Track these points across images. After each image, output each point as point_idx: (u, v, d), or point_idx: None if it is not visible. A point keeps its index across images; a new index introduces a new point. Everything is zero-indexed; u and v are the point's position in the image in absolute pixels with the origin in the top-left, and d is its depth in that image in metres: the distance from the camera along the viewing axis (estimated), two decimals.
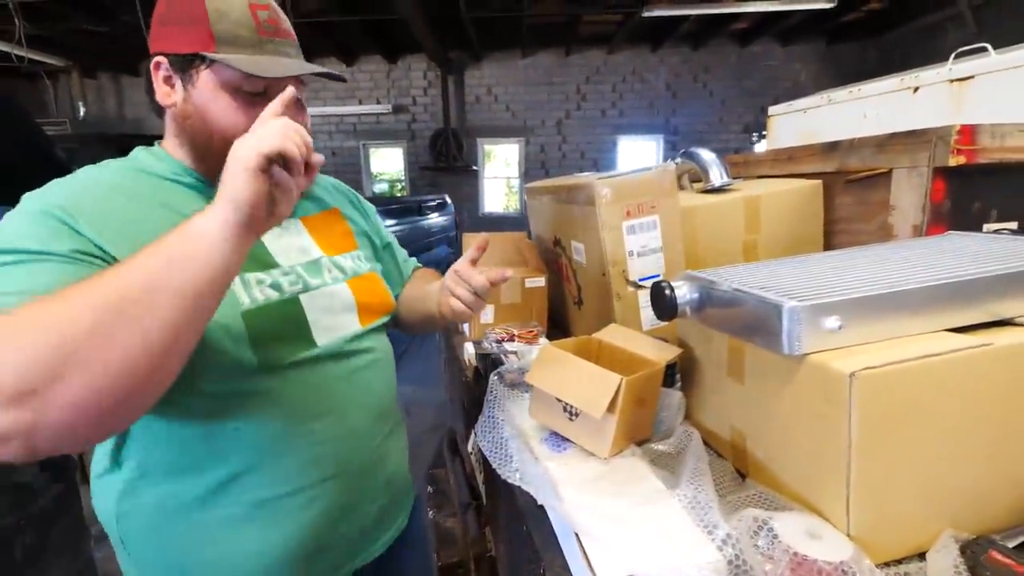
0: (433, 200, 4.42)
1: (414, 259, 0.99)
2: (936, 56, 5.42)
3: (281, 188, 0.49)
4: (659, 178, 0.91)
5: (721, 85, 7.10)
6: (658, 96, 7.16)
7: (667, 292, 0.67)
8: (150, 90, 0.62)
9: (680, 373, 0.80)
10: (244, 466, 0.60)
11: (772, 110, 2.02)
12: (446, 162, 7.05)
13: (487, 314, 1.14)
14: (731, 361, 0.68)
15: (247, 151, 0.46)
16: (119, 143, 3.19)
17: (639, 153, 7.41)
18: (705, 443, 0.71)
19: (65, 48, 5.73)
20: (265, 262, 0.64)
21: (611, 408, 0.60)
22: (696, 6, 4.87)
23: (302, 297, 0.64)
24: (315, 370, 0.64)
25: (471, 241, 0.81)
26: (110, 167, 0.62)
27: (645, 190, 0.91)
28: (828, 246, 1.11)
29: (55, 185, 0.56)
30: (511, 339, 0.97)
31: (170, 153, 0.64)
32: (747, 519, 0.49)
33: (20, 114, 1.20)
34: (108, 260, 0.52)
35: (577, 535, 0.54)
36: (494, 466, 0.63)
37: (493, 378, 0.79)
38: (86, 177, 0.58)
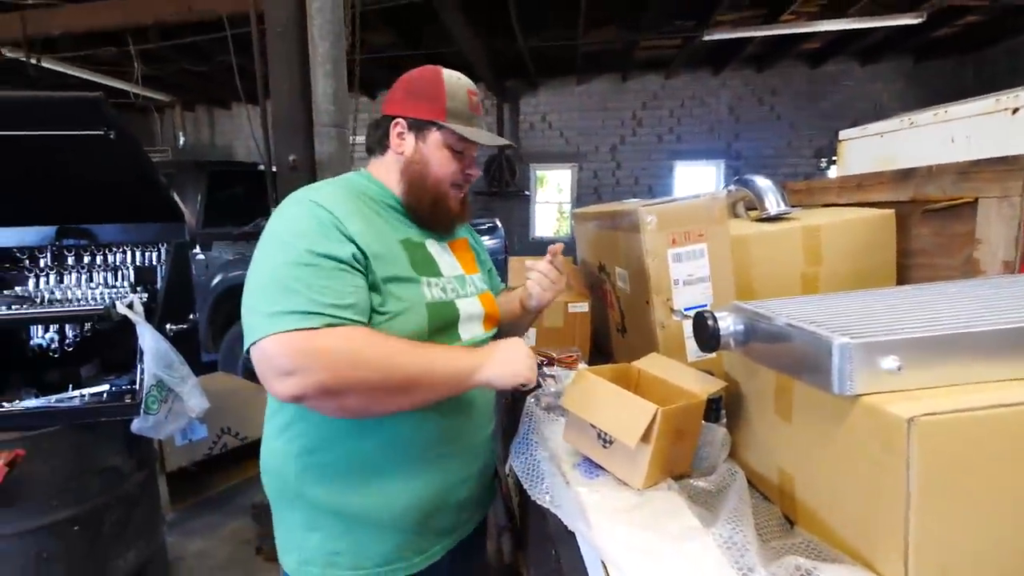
0: (484, 223, 4.54)
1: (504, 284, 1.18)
2: None
3: None
4: (708, 205, 0.90)
5: (790, 108, 6.78)
6: (719, 120, 6.95)
7: (710, 323, 0.66)
8: (383, 137, 0.85)
9: (726, 408, 0.77)
10: (400, 429, 0.75)
11: (843, 134, 1.91)
12: (499, 187, 7.21)
13: (530, 337, 1.15)
14: (778, 398, 0.64)
15: (525, 370, 0.71)
16: (208, 168, 3.58)
17: (698, 179, 7.21)
18: (752, 485, 0.68)
19: (171, 85, 6.60)
20: (435, 271, 0.83)
21: (646, 438, 0.59)
22: (762, 28, 4.72)
23: (457, 302, 0.82)
24: None
25: (516, 265, 0.95)
26: (338, 187, 0.80)
27: (693, 217, 0.90)
28: (903, 281, 1.03)
29: (324, 198, 0.73)
30: (550, 363, 0.97)
31: (381, 181, 0.85)
32: (788, 566, 0.46)
33: (131, 142, 1.38)
34: (362, 257, 0.70)
35: (604, 564, 0.53)
36: (525, 486, 0.63)
37: (530, 400, 0.80)
38: (335, 194, 0.76)
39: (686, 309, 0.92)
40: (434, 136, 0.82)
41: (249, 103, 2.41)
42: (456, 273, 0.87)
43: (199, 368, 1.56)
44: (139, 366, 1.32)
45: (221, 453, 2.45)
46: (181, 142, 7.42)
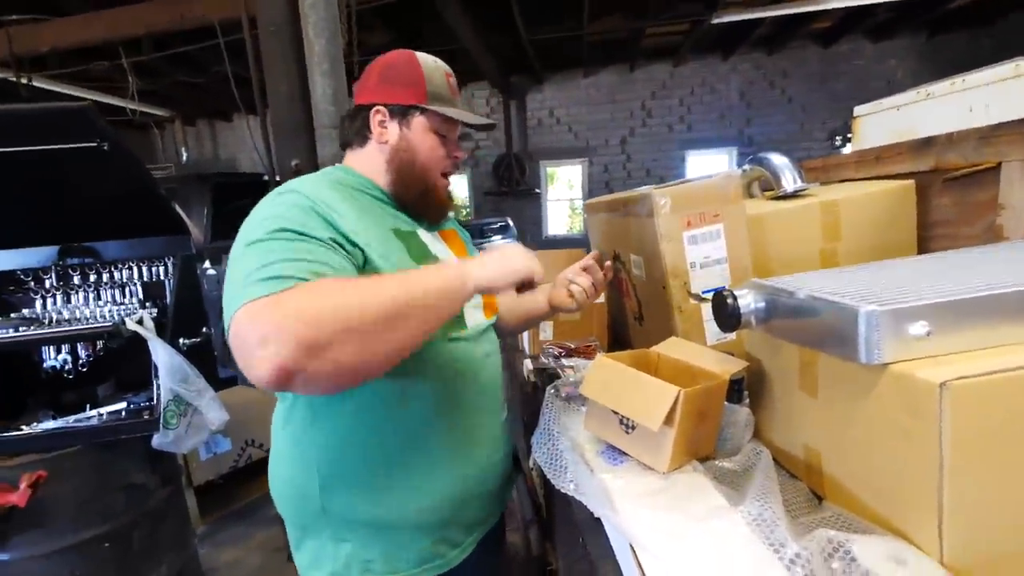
0: (495, 223, 4.54)
1: None
2: None
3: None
4: (722, 185, 0.89)
5: (802, 90, 6.64)
6: (730, 106, 6.85)
7: (730, 301, 0.65)
8: (362, 127, 0.81)
9: (748, 388, 0.76)
10: (416, 425, 0.73)
11: (858, 110, 1.86)
12: (509, 186, 7.19)
13: (546, 330, 1.15)
14: (803, 374, 0.64)
15: (522, 264, 0.67)
16: (212, 181, 3.57)
17: (710, 167, 7.10)
18: (777, 463, 0.67)
19: (169, 100, 6.61)
20: (432, 258, 0.80)
21: (669, 421, 0.59)
22: (772, 7, 4.63)
23: None
24: (466, 347, 0.79)
25: (544, 260, 0.96)
26: (317, 179, 0.77)
27: (707, 198, 0.89)
28: (924, 252, 1.00)
29: (301, 186, 0.70)
30: (568, 354, 0.97)
31: (362, 173, 0.82)
32: (820, 540, 0.45)
33: (127, 154, 1.38)
34: (350, 244, 0.66)
35: (633, 548, 0.53)
36: (549, 477, 0.63)
37: (549, 391, 0.80)
38: (315, 183, 0.73)
39: (704, 292, 0.91)
40: (419, 121, 0.80)
41: (249, 113, 2.43)
42: (451, 260, 0.86)
43: (218, 384, 1.56)
44: (155, 382, 1.33)
45: (246, 465, 2.50)
46: (184, 157, 7.45)
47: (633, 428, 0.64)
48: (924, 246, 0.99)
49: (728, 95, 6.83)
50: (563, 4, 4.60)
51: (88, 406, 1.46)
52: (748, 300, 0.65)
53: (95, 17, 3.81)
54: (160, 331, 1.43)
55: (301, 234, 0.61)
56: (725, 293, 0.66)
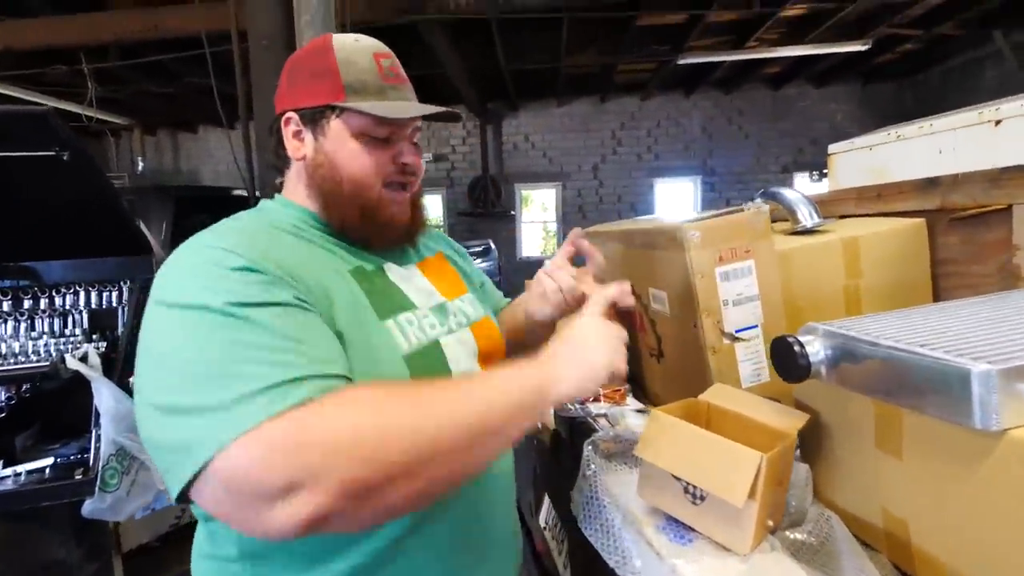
0: (477, 246, 4.47)
1: (507, 299, 0.92)
2: (974, 93, 5.29)
3: None
4: (753, 219, 0.85)
5: (756, 127, 7.09)
6: (693, 139, 7.19)
7: (797, 348, 0.59)
8: (277, 146, 0.64)
9: (801, 442, 0.70)
10: (392, 539, 0.53)
11: (832, 148, 1.94)
12: (484, 207, 7.20)
13: None
14: (881, 430, 0.58)
15: (606, 359, 0.53)
16: (175, 193, 3.25)
17: (677, 195, 7.40)
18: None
19: (130, 108, 6.25)
20: (405, 303, 0.61)
21: (752, 493, 0.51)
22: (730, 53, 4.94)
23: (442, 341, 0.61)
24: None
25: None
26: (249, 218, 0.60)
27: (738, 233, 0.84)
28: (935, 290, 1.00)
29: (226, 238, 0.52)
30: (595, 399, 0.88)
31: (296, 202, 0.64)
32: None
33: (88, 164, 1.22)
34: (308, 295, 0.50)
35: None
36: (611, 564, 0.54)
37: (587, 449, 0.70)
38: (244, 228, 0.56)
39: (737, 331, 0.86)
40: (335, 124, 0.60)
41: (229, 127, 2.27)
42: (434, 302, 0.65)
43: None
44: (94, 432, 1.11)
45: (191, 522, 2.15)
46: (140, 167, 7.04)
47: (702, 499, 0.56)
48: (936, 283, 0.99)
49: (691, 128, 7.18)
50: (543, 38, 4.72)
51: (2, 462, 1.18)
52: (816, 347, 0.59)
53: (63, 21, 3.57)
54: (108, 369, 1.22)
55: (260, 304, 0.44)
56: (790, 339, 0.60)
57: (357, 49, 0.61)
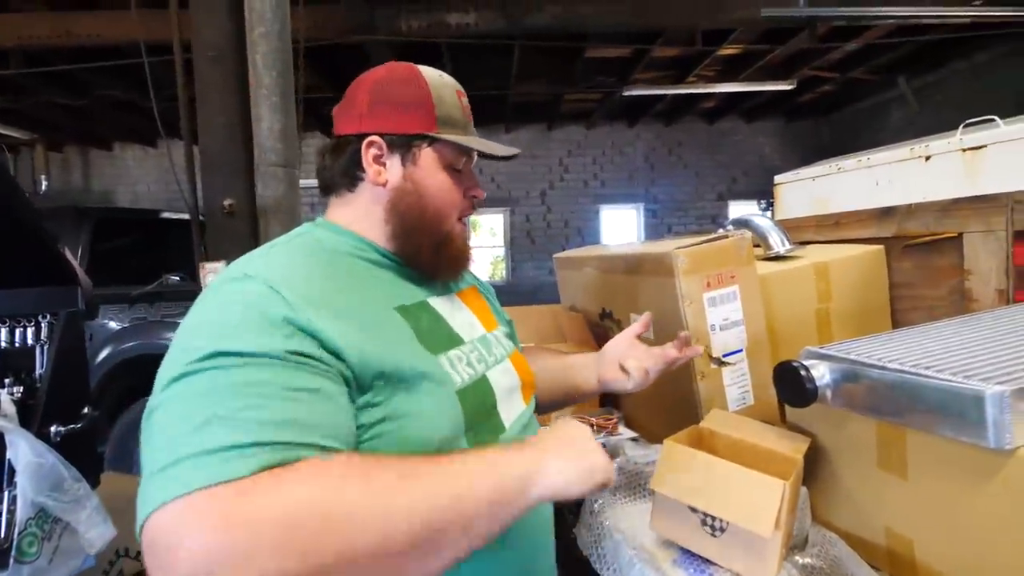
0: None
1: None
2: (883, 132, 5.94)
3: None
4: (738, 245, 0.87)
5: (694, 158, 7.58)
6: (636, 168, 7.56)
7: (803, 373, 0.60)
8: (350, 167, 0.61)
9: None
10: None
11: (778, 179, 2.09)
12: None
13: None
14: (883, 451, 0.59)
15: (602, 463, 0.49)
16: (94, 215, 2.92)
17: (621, 222, 7.70)
18: None
19: (32, 121, 5.59)
20: (454, 339, 0.60)
21: (776, 522, 0.50)
22: (671, 87, 5.29)
23: (489, 375, 0.61)
24: None
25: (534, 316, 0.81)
26: (288, 250, 0.56)
27: (724, 259, 0.87)
28: (895, 313, 1.07)
29: (265, 268, 0.49)
30: (589, 427, 0.85)
31: (350, 229, 0.62)
32: None
33: (7, 183, 1.06)
34: (331, 355, 0.45)
35: None
36: None
37: None
38: (284, 260, 0.53)
39: (724, 355, 0.87)
40: (427, 154, 0.61)
41: (141, 143, 2.09)
42: (478, 334, 0.65)
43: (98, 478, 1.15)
44: (5, 493, 0.94)
45: None
46: (43, 187, 6.31)
47: (722, 530, 0.54)
48: (892, 305, 1.07)
49: (634, 158, 7.55)
50: (493, 65, 4.81)
51: None
52: (822, 371, 0.60)
53: None
54: (25, 418, 1.04)
55: (252, 355, 0.41)
56: (795, 364, 0.61)
57: (444, 84, 0.64)
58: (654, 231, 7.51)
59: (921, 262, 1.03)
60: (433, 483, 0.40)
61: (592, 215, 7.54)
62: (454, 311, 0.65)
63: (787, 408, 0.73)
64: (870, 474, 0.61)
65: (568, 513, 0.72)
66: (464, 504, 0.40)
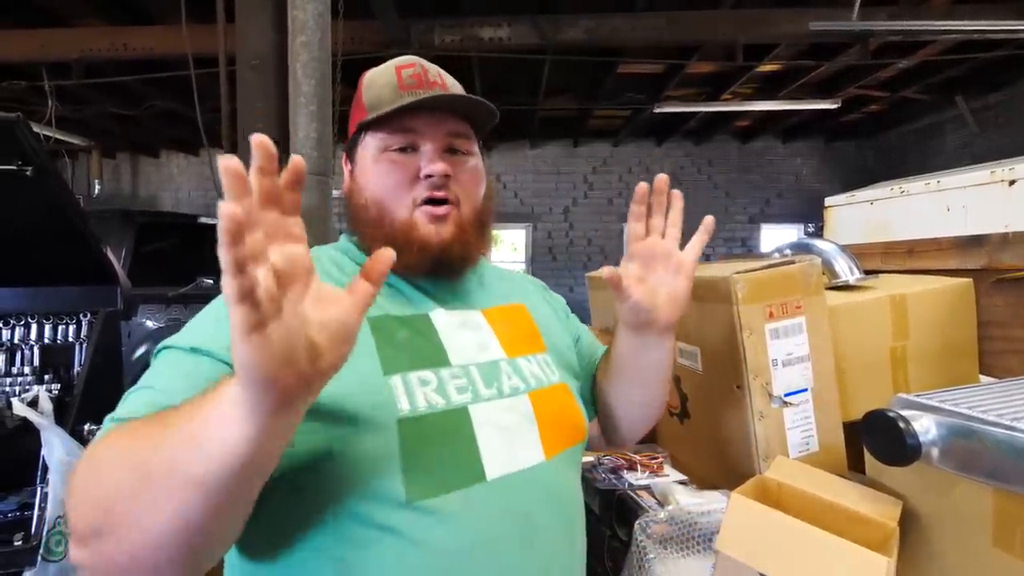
0: None
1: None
2: (935, 156, 5.59)
3: (285, 325, 0.30)
4: (806, 272, 0.78)
5: (724, 177, 7.40)
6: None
7: (902, 426, 0.51)
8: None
9: None
10: None
11: (830, 201, 1.97)
12: None
13: None
14: (1002, 527, 0.49)
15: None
16: (138, 219, 3.11)
17: None
18: None
19: (90, 129, 5.98)
20: (434, 359, 0.53)
21: None
22: (705, 104, 5.17)
23: (472, 408, 0.50)
24: (481, 517, 0.46)
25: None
26: (323, 253, 0.61)
27: (790, 287, 0.78)
28: (982, 355, 0.95)
29: None
30: (631, 467, 0.77)
31: (352, 240, 0.63)
32: None
33: (54, 182, 1.11)
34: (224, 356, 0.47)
35: None
36: None
37: (637, 532, 0.59)
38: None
39: (787, 395, 0.78)
40: (364, 146, 0.57)
41: (184, 152, 2.16)
42: (484, 359, 0.55)
43: None
44: (39, 489, 0.94)
45: None
46: (96, 191, 6.71)
47: None
48: (980, 347, 0.95)
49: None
50: (521, 80, 4.82)
51: None
52: (926, 426, 0.51)
53: (26, 35, 3.41)
54: (61, 415, 1.03)
55: (191, 351, 0.46)
56: (891, 415, 0.52)
57: (381, 69, 0.60)
58: None
59: (1015, 299, 0.92)
60: (153, 434, 0.36)
61: (616, 234, 7.43)
62: (460, 329, 0.56)
63: (869, 461, 0.63)
64: (982, 553, 0.51)
65: (596, 561, 0.63)
66: (166, 451, 0.35)
